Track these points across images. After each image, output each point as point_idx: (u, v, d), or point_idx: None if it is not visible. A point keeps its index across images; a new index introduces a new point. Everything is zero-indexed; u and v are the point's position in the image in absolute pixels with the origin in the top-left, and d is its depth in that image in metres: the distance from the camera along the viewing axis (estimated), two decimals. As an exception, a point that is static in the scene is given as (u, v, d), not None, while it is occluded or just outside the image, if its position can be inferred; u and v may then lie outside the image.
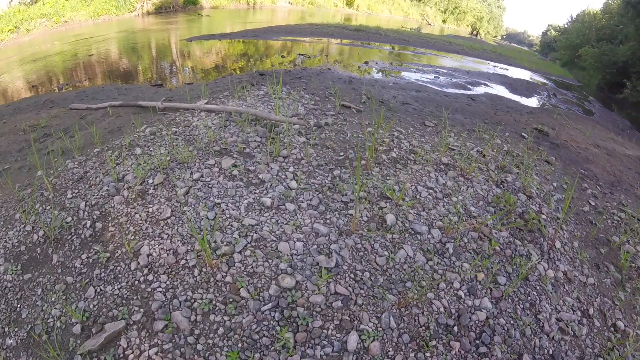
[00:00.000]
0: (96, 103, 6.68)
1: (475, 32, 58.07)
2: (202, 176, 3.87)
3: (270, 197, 3.65)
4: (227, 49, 13.66)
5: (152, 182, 3.77)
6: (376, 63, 12.40)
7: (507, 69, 19.73)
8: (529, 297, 3.34)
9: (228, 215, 3.41)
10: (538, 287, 3.46)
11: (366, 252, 3.28)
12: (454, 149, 5.38)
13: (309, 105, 6.03)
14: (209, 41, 14.57)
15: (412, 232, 3.57)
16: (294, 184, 3.89)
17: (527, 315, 3.20)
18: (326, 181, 4.04)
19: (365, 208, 3.73)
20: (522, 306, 3.26)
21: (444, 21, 55.22)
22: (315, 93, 6.88)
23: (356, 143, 4.89)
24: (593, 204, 5.19)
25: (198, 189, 3.69)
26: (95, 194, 3.69)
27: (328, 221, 3.51)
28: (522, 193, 4.70)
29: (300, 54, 12.74)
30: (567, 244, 4.12)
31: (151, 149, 4.40)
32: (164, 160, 4.04)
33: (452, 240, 3.59)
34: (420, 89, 9.42)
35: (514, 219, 4.16)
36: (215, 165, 4.08)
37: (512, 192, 4.64)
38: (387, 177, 4.29)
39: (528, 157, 5.85)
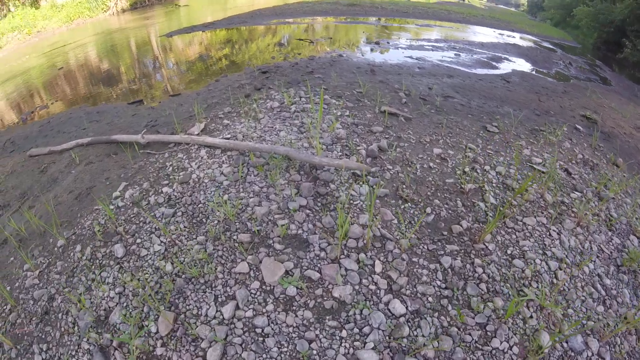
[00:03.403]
0: (62, 139, 5.22)
1: (464, -3, 56.10)
2: (237, 308, 2.47)
3: (372, 350, 2.28)
4: (213, 41, 11.95)
5: (157, 332, 2.39)
6: (388, 42, 10.89)
7: (514, 37, 18.61)
8: None
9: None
10: None
11: None
12: (544, 173, 4.23)
13: (344, 119, 4.62)
14: (191, 34, 12.85)
15: (572, 353, 2.39)
16: (398, 306, 2.50)
17: None
18: (437, 284, 2.71)
19: (513, 331, 2.48)
20: None
21: (433, -14, 53.17)
22: (341, 95, 5.48)
23: (440, 184, 3.60)
24: None
25: (239, 343, 2.31)
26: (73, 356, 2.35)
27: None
28: (633, 235, 3.70)
29: (300, 39, 11.17)
30: None
31: (138, 240, 2.99)
32: (165, 281, 2.63)
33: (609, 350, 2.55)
34: (450, 73, 8.09)
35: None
36: (252, 276, 2.65)
37: (623, 234, 3.66)
38: (509, 252, 3.05)
39: (605, 165, 5.04)
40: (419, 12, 19.42)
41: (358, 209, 3.18)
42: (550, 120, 6.35)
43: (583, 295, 2.86)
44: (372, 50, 9.76)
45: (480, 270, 2.84)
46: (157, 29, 14.78)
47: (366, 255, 2.81)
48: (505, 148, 4.64)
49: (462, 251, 2.97)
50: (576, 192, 4.09)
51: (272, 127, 4.31)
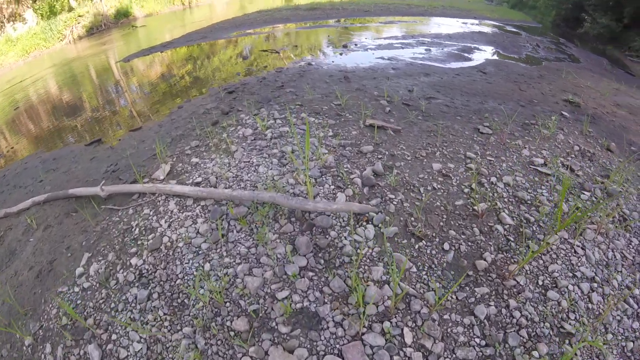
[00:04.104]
0: (18, 195, 4.62)
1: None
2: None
3: None
4: (174, 62, 11.30)
5: None
6: (355, 45, 10.46)
7: (477, 24, 18.60)
8: None
9: None
10: None
11: None
12: (549, 175, 3.92)
13: (328, 140, 4.14)
14: (150, 56, 12.19)
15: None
16: None
17: None
18: (477, 342, 2.33)
19: None
20: None
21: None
22: (319, 111, 5.00)
23: (451, 208, 3.20)
24: None
25: None
26: None
27: None
28: None
29: (265, 51, 10.65)
30: None
31: (114, 335, 2.47)
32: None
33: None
34: (426, 71, 7.73)
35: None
36: None
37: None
38: (540, 283, 2.73)
39: (600, 153, 4.89)
40: (380, 9, 19.15)
41: (368, 260, 2.71)
42: (536, 110, 6.15)
43: (618, 315, 2.60)
44: (341, 54, 9.32)
45: (517, 314, 2.46)
46: (115, 54, 14.01)
47: (391, 322, 2.34)
48: (504, 151, 4.30)
49: (494, 293, 2.58)
50: (585, 192, 3.82)
51: (249, 162, 3.79)
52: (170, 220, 3.15)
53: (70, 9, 21.24)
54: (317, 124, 4.55)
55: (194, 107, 6.21)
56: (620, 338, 2.50)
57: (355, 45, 10.33)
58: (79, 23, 20.95)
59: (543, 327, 2.42)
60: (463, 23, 18.20)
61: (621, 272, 2.98)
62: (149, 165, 4.20)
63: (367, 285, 2.50)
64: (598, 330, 2.48)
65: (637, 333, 2.56)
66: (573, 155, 4.67)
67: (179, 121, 5.60)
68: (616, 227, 3.41)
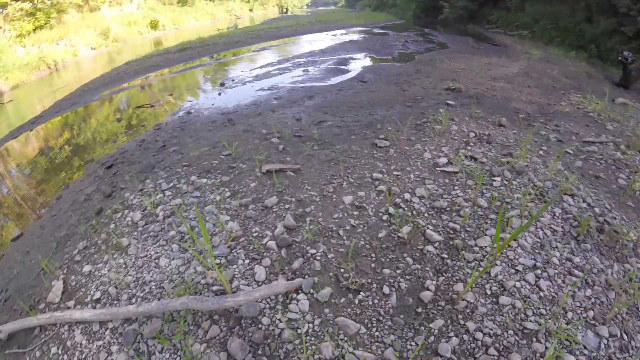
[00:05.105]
0: None
1: (284, 10, 58.10)
2: None
3: None
4: (46, 139, 9.88)
5: None
6: (233, 80, 10.05)
7: (346, 34, 19.37)
8: None
9: None
10: None
11: None
12: (457, 172, 3.84)
13: (228, 203, 3.68)
14: (19, 137, 10.68)
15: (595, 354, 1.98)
16: None
17: None
18: None
19: None
20: None
21: (250, 10, 54.06)
22: (209, 168, 4.48)
23: (376, 244, 2.92)
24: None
25: None
26: None
27: None
28: (567, 195, 3.66)
29: (140, 106, 9.83)
30: None
31: None
32: None
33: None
34: (309, 94, 7.57)
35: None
36: None
37: (558, 200, 3.56)
38: (489, 292, 2.63)
39: (495, 132, 5.15)
40: (251, 38, 19.08)
41: (314, 338, 2.32)
42: (423, 106, 6.28)
43: (570, 290, 2.62)
44: (220, 94, 8.85)
45: (479, 335, 2.31)
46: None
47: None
48: (407, 160, 4.20)
49: (449, 322, 2.40)
50: (496, 179, 3.83)
51: (146, 256, 3.18)
52: (83, 357, 2.49)
53: None
54: (210, 186, 4.04)
55: (73, 194, 5.30)
56: (580, 312, 2.49)
57: (233, 81, 9.96)
58: None
59: (508, 337, 2.30)
60: (333, 35, 18.81)
61: (557, 247, 3.01)
62: (40, 285, 3.33)
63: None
64: (558, 314, 2.45)
65: (593, 299, 2.59)
66: (472, 144, 4.75)
67: (61, 217, 4.67)
68: (536, 204, 3.46)
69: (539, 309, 2.48)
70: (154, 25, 31.21)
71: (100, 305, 2.81)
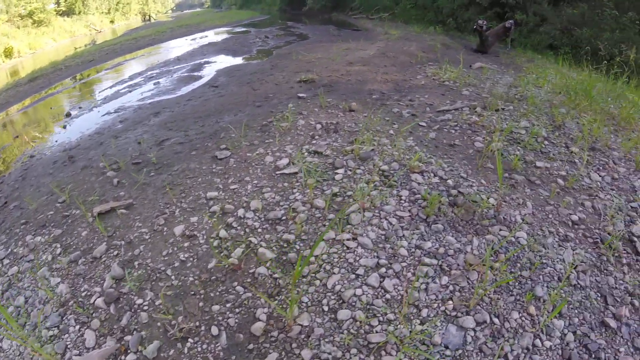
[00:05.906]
0: None
1: (147, 18, 55.09)
2: None
3: None
4: None
5: None
6: (80, 108, 8.92)
7: (207, 36, 18.77)
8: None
9: None
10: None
11: None
12: (297, 173, 3.77)
13: (58, 262, 3.15)
14: None
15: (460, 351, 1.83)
16: None
17: None
18: None
19: None
20: None
21: (112, 21, 50.27)
22: (44, 222, 3.76)
23: (206, 277, 2.67)
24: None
25: None
26: None
27: None
28: (414, 174, 3.59)
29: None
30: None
31: None
32: None
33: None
34: (156, 110, 6.92)
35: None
36: None
37: (405, 182, 3.49)
38: (326, 307, 2.42)
39: (344, 118, 5.11)
40: (106, 54, 17.56)
41: None
42: (273, 104, 6.09)
43: (423, 283, 2.46)
44: (65, 127, 7.89)
45: None
46: None
47: None
48: (247, 169, 4.00)
49: (284, 353, 2.18)
50: (338, 171, 3.73)
51: None
52: None
53: None
54: (44, 244, 3.43)
55: None
56: (436, 305, 2.33)
57: (80, 108, 8.94)
58: None
59: (351, 358, 2.10)
60: (192, 40, 18.08)
61: (403, 236, 2.86)
62: None
63: None
64: (410, 315, 2.29)
65: (451, 286, 2.45)
66: (317, 136, 4.61)
67: None
68: (381, 191, 3.33)
69: (385, 314, 2.28)
70: (8, 53, 27.37)
71: None
